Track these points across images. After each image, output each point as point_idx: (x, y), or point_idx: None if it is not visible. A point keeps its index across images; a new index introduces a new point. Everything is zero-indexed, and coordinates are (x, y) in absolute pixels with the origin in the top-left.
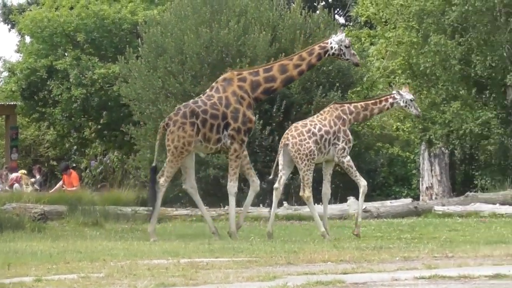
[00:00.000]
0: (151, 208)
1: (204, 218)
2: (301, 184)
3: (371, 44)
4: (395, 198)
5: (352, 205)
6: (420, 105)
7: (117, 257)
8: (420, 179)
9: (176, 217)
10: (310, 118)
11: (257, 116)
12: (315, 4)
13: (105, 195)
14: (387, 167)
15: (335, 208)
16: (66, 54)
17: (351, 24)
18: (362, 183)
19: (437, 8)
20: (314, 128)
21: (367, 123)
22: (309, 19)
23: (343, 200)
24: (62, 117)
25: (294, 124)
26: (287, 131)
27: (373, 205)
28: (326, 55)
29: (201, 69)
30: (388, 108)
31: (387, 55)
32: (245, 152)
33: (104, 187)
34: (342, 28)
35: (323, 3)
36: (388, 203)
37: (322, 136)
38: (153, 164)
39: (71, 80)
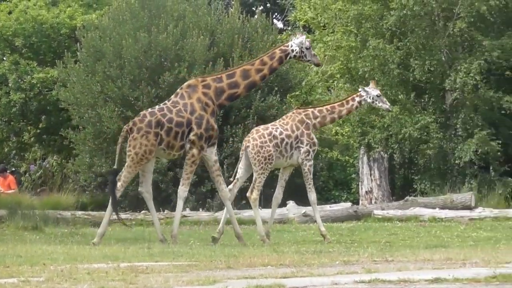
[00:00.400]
0: (112, 211)
1: (154, 224)
2: (252, 185)
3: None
4: (335, 202)
5: (291, 209)
6: (359, 110)
7: (57, 261)
8: (360, 183)
9: (115, 221)
10: (272, 123)
11: None
12: (253, 8)
13: (44, 199)
14: (327, 171)
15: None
16: (4, 58)
17: (290, 28)
18: (313, 195)
19: (375, 12)
20: (276, 131)
21: None
22: (247, 23)
23: (283, 204)
24: (1, 122)
25: (256, 128)
26: (249, 134)
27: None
28: (288, 57)
29: (139, 74)
30: (357, 107)
31: (325, 60)
32: (216, 158)
33: (43, 191)
34: (302, 31)
35: (261, 7)
36: (327, 207)
37: (283, 139)
38: (114, 167)
39: (9, 84)
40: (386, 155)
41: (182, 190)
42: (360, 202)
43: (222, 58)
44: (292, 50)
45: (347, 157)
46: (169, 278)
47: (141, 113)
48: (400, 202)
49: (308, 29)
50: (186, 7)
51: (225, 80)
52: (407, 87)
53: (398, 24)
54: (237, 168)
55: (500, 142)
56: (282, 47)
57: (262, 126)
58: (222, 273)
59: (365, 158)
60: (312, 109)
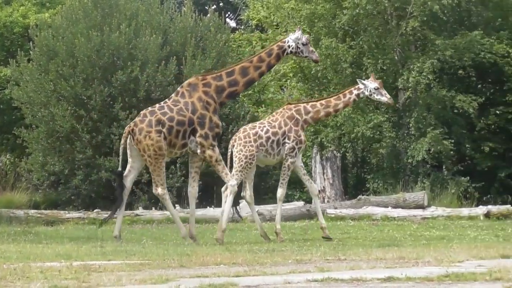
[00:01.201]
0: (116, 212)
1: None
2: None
3: (263, 47)
4: (288, 201)
5: (244, 208)
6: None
7: (10, 260)
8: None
9: (68, 220)
10: (262, 120)
11: None
12: (206, 7)
13: None
14: (279, 170)
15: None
16: None
17: (242, 27)
18: (282, 191)
19: (328, 11)
20: (262, 130)
21: None
22: (200, 22)
23: (235, 203)
24: None
25: (244, 127)
26: (236, 133)
27: (266, 208)
28: (285, 54)
29: (92, 72)
30: (355, 100)
31: None
32: (201, 156)
33: None
34: (299, 27)
35: (214, 6)
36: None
37: (268, 138)
38: (119, 169)
39: None
40: (338, 154)
41: (231, 185)
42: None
43: (175, 57)
44: (289, 46)
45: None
46: (122, 277)
47: (142, 112)
48: (353, 201)
49: (261, 28)
50: (139, 6)
51: (225, 78)
52: None
53: (350, 23)
54: (228, 166)
55: (453, 141)
56: (279, 43)
57: (250, 125)
58: (175, 271)
59: (317, 157)
60: (304, 104)
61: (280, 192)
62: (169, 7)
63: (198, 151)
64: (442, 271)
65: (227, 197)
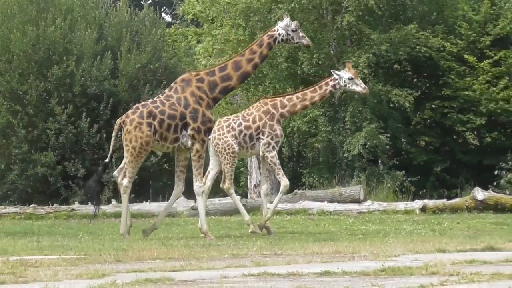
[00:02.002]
0: (93, 205)
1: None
2: (223, 176)
3: (198, 42)
4: (224, 196)
5: (180, 202)
6: (247, 103)
7: None
8: (248, 176)
9: (4, 215)
10: (237, 114)
11: (84, 114)
12: (141, 2)
13: None
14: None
15: (163, 206)
16: None
17: (178, 22)
18: (284, 182)
19: (263, 6)
20: (235, 123)
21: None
22: (135, 17)
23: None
24: None
25: (219, 119)
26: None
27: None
28: (276, 42)
29: (28, 67)
30: (331, 92)
31: (214, 53)
32: (187, 155)
33: None
34: (287, 14)
35: (150, 1)
36: (216, 200)
37: (241, 131)
38: (106, 160)
39: None
40: None
41: (198, 186)
42: (249, 195)
43: (110, 51)
44: (279, 34)
45: None
46: (58, 272)
47: (134, 106)
48: (289, 196)
49: (196, 23)
50: (74, 1)
51: (218, 74)
52: (296, 81)
53: None
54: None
55: (389, 135)
56: (269, 33)
57: (224, 118)
58: (111, 266)
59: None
60: (280, 98)
61: (283, 184)
62: (104, 2)
63: (189, 143)
64: (378, 266)
65: (200, 196)
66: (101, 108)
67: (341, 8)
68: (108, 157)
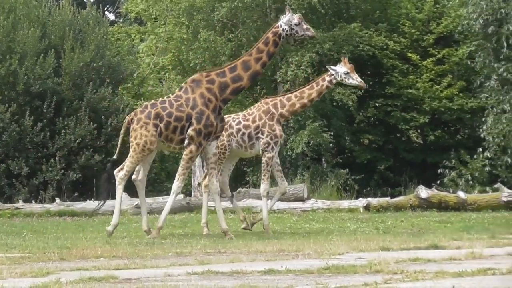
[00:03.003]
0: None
1: (142, 213)
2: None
3: (141, 40)
4: (167, 194)
5: (124, 200)
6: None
7: None
8: (192, 175)
9: None
10: (238, 113)
11: (27, 112)
12: (85, 1)
13: None
14: (159, 163)
15: (107, 204)
16: None
17: (121, 20)
18: (263, 186)
19: (206, 4)
20: (234, 121)
21: None
22: (79, 15)
23: (115, 196)
24: None
25: None
26: None
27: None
28: (281, 38)
29: None
30: (328, 87)
31: (157, 51)
32: (215, 151)
33: None
34: (289, 9)
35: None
36: (160, 199)
37: (239, 130)
38: (114, 157)
39: None
40: None
41: (176, 185)
42: (193, 194)
43: (53, 50)
44: (283, 30)
45: None
46: (2, 270)
47: (144, 104)
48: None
49: (139, 21)
50: None
51: (228, 74)
52: None
53: (229, 16)
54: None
55: (332, 133)
56: (273, 30)
57: (225, 116)
58: (55, 265)
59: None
60: (280, 98)
61: (263, 187)
62: (47, 0)
63: (186, 142)
64: (322, 264)
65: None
66: (44, 106)
67: (285, 6)
68: (115, 154)
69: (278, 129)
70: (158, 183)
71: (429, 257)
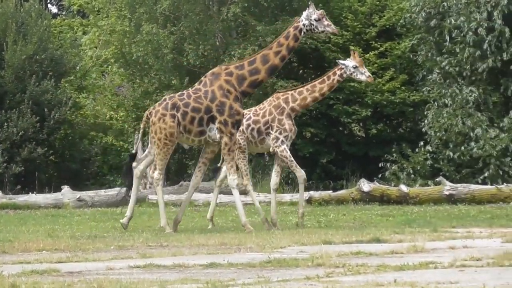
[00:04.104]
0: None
1: (130, 202)
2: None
3: (84, 33)
4: (110, 187)
5: (66, 194)
6: (133, 94)
7: None
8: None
9: None
10: (252, 108)
11: None
12: None
13: None
14: (102, 156)
15: (50, 197)
16: None
17: (64, 13)
18: (298, 173)
19: None
20: (244, 117)
21: (80, 112)
22: (21, 8)
23: (57, 189)
24: None
25: None
26: None
27: (88, 194)
28: (301, 33)
29: None
30: (339, 81)
31: (100, 44)
32: (214, 149)
33: None
34: (311, 3)
35: None
36: (102, 192)
37: (248, 125)
38: (133, 151)
39: None
40: None
41: (231, 179)
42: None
43: None
44: (303, 25)
45: (121, 142)
46: None
47: (164, 97)
48: (175, 187)
49: (82, 14)
50: None
51: (247, 67)
52: (181, 72)
53: (171, 9)
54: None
55: None
56: (295, 24)
57: None
58: None
59: (140, 144)
60: (292, 92)
61: (299, 175)
62: None
63: (217, 136)
64: (264, 257)
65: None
66: None
67: None
68: (134, 148)
69: (287, 124)
70: (100, 176)
71: (371, 250)
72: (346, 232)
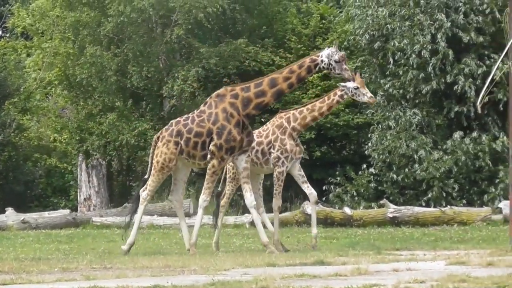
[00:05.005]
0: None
1: (182, 232)
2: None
3: (28, 55)
4: (54, 209)
5: (11, 216)
6: (76, 116)
7: None
8: (78, 190)
9: None
10: (257, 130)
11: None
12: None
13: None
14: (45, 178)
15: None
16: None
17: (8, 35)
18: (275, 201)
19: (93, 19)
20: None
21: (24, 134)
22: None
23: (1, 211)
24: None
25: None
26: None
27: (32, 216)
28: (316, 68)
29: None
30: (338, 102)
31: (43, 66)
32: (246, 165)
33: None
34: (336, 42)
35: None
36: (46, 214)
37: (253, 147)
38: (145, 177)
39: None
40: (104, 162)
41: (203, 199)
42: (79, 209)
43: None
44: (321, 61)
45: (65, 164)
46: None
47: (171, 121)
48: (119, 209)
49: (26, 36)
50: None
51: (253, 89)
52: (125, 94)
53: (115, 31)
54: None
55: None
56: (313, 57)
57: None
58: None
59: (83, 165)
60: (293, 111)
61: (275, 202)
62: None
63: (208, 157)
64: (208, 280)
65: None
66: None
67: (171, 21)
68: (147, 174)
69: (289, 144)
70: (44, 198)
71: (315, 273)
72: (290, 255)
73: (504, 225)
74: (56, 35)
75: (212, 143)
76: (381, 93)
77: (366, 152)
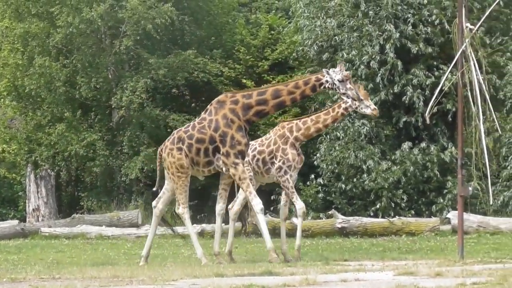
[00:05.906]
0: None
1: (147, 241)
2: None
3: None
4: (2, 220)
5: None
6: (25, 127)
7: None
8: (27, 200)
9: None
10: (259, 138)
11: None
12: None
13: None
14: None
15: None
16: None
17: None
18: (298, 205)
19: (42, 30)
20: (250, 149)
21: None
22: None
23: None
24: None
25: None
26: None
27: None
28: (321, 87)
29: None
30: (343, 114)
31: None
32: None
33: None
34: (343, 63)
35: None
36: None
37: (254, 156)
38: (154, 189)
39: None
40: (53, 172)
41: (255, 204)
42: (27, 219)
43: None
44: (326, 81)
45: (14, 175)
46: None
47: (173, 132)
48: (67, 220)
49: None
50: None
51: (255, 97)
52: (74, 105)
53: (64, 42)
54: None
55: None
56: (319, 75)
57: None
58: None
59: (32, 176)
60: (296, 121)
61: (297, 206)
62: None
63: (224, 169)
64: None
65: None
66: None
67: (120, 32)
68: (155, 186)
69: (291, 153)
70: None
71: (263, 283)
72: (238, 265)
73: (452, 236)
74: (5, 46)
75: (221, 153)
76: (330, 104)
77: (314, 162)
